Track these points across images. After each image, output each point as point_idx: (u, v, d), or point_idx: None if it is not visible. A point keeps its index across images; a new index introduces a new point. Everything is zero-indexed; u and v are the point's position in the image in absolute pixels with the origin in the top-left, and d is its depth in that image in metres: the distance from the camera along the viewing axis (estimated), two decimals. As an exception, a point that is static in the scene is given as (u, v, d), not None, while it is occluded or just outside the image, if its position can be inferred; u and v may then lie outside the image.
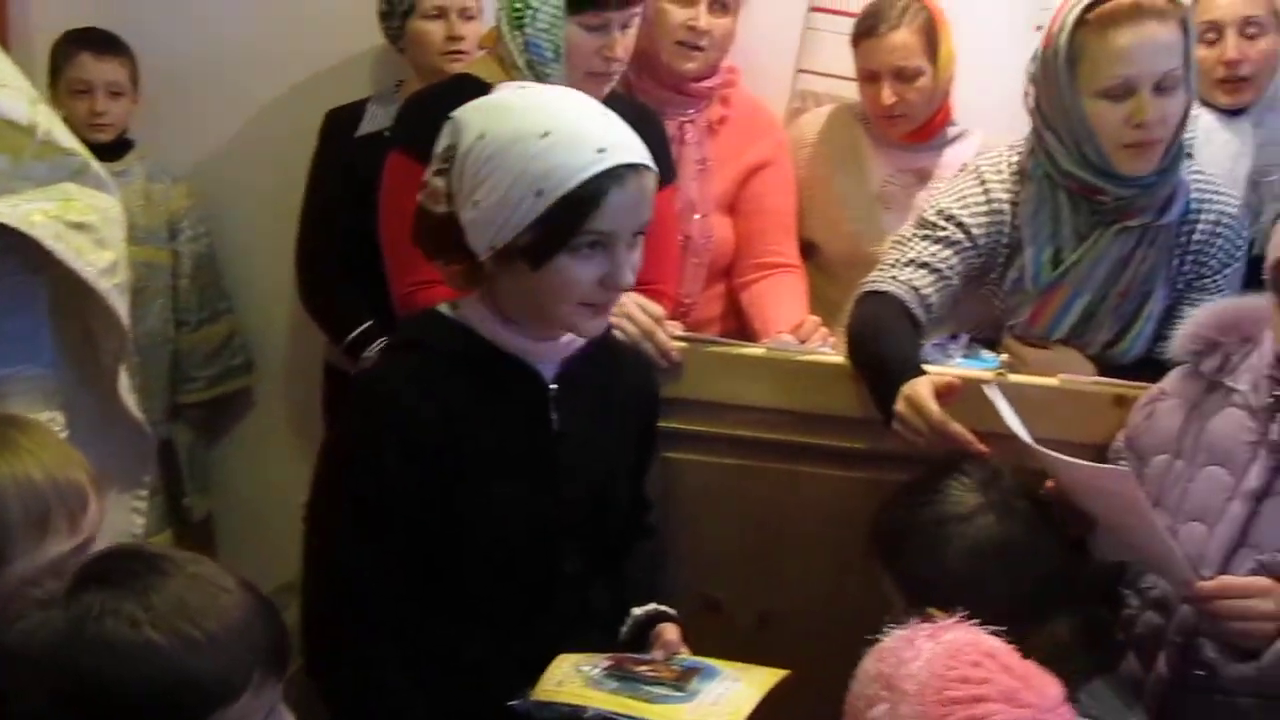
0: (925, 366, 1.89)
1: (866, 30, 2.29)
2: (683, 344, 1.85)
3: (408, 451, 1.37)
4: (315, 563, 1.44)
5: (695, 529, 1.92)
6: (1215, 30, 2.34)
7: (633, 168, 1.32)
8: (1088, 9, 1.75)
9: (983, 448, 1.58)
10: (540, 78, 1.87)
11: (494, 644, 1.43)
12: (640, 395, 1.60)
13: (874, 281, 1.92)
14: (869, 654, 1.22)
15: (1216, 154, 2.30)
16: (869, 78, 2.31)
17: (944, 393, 1.63)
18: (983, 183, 1.93)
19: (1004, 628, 1.21)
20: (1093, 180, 1.82)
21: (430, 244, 1.41)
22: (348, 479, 1.41)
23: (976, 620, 1.22)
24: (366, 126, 2.41)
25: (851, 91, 2.52)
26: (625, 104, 2.07)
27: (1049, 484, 1.57)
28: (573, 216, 1.30)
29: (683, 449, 1.89)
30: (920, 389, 1.63)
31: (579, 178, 1.29)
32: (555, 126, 1.31)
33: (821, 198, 2.38)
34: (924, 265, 1.89)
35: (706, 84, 2.31)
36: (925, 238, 1.92)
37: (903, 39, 2.25)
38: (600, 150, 1.30)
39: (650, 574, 1.62)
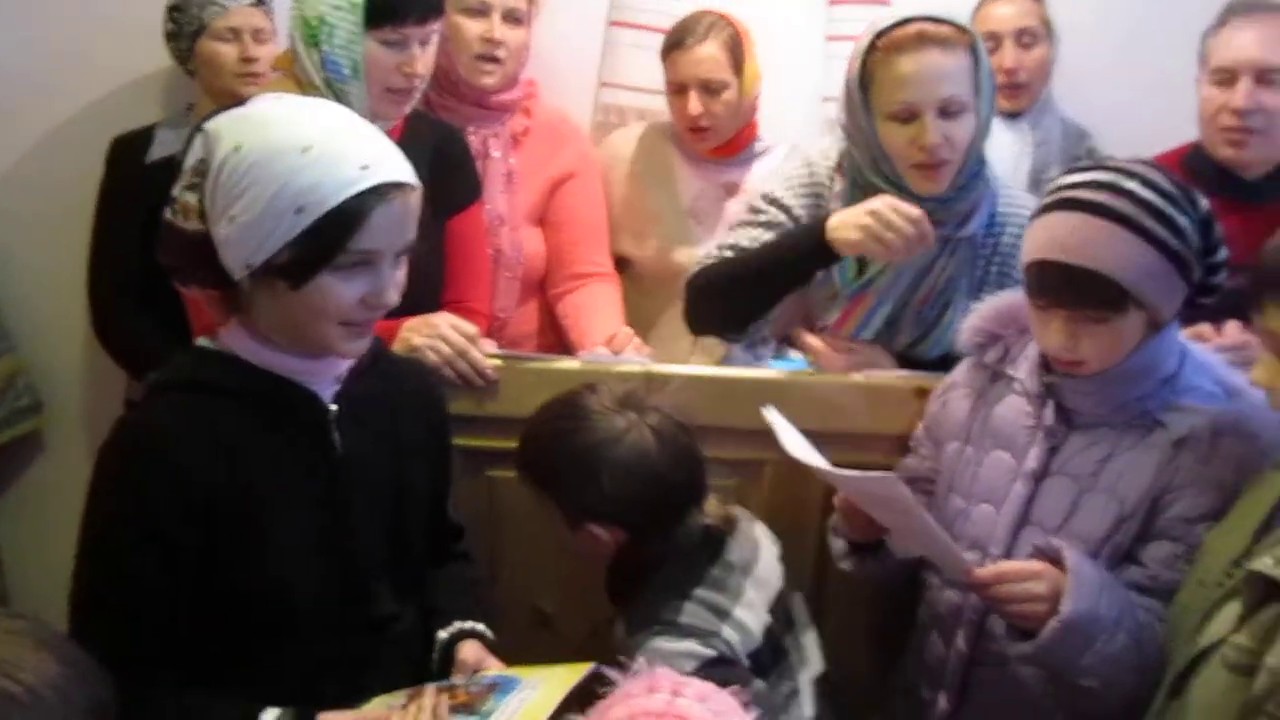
0: (733, 371, 1.96)
1: (675, 43, 2.35)
2: (498, 361, 1.85)
3: (180, 503, 1.28)
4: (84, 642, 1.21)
5: (521, 545, 1.92)
6: (994, 40, 2.49)
7: (397, 185, 1.28)
8: (879, 36, 1.83)
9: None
10: (339, 96, 1.84)
11: (301, 700, 1.33)
12: (426, 408, 1.55)
13: (701, 264, 1.99)
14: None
15: (1000, 155, 2.44)
16: (677, 89, 2.37)
17: None
18: (808, 165, 2.00)
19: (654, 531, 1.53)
20: (893, 192, 1.89)
21: (181, 264, 1.33)
22: (112, 540, 1.30)
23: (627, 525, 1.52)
24: (157, 152, 2.32)
25: (656, 104, 2.58)
26: (427, 122, 2.07)
27: (836, 497, 1.64)
28: (336, 234, 1.25)
29: (504, 467, 1.88)
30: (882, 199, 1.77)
31: (342, 195, 1.24)
32: (317, 141, 1.25)
33: (634, 213, 2.42)
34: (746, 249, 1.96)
35: (507, 97, 2.31)
36: (749, 224, 1.99)
37: (709, 52, 2.32)
38: (364, 167, 1.26)
39: (460, 598, 1.58)
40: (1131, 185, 1.43)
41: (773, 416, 1.61)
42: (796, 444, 1.57)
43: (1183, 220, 1.43)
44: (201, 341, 1.39)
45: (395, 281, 1.33)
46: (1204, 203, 1.48)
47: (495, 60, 2.24)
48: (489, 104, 2.29)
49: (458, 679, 1.44)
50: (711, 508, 1.68)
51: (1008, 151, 2.46)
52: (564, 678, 1.40)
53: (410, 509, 1.49)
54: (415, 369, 1.64)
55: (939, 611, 1.67)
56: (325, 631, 1.39)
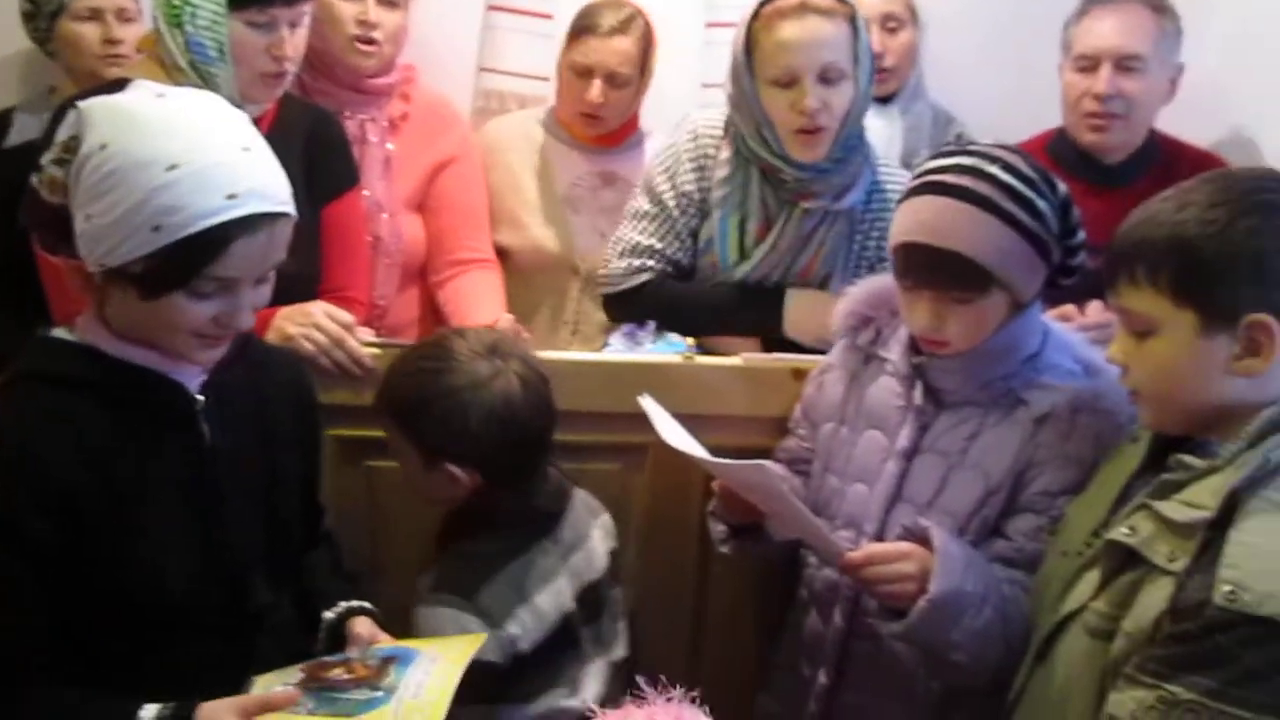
0: (614, 356, 1.97)
1: (589, 27, 2.33)
2: (375, 350, 1.82)
3: (39, 498, 1.23)
4: None
5: (405, 538, 1.89)
6: None
7: (266, 216, 1.24)
8: (763, 4, 1.91)
9: None
10: (206, 79, 1.79)
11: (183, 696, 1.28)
12: (297, 397, 1.52)
13: (627, 276, 2.07)
14: None
15: (871, 140, 2.49)
16: (582, 72, 2.34)
17: None
18: (694, 136, 2.07)
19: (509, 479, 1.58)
20: (773, 161, 1.97)
21: (44, 232, 1.29)
22: None
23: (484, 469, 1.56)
24: (15, 137, 2.23)
25: (536, 89, 2.56)
26: (301, 106, 2.02)
27: (714, 482, 1.66)
28: (191, 260, 1.22)
29: (385, 456, 1.86)
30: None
31: (202, 223, 1.20)
32: (186, 160, 1.20)
33: (510, 202, 2.39)
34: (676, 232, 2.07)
35: (385, 80, 2.27)
36: (642, 217, 2.08)
37: (624, 46, 2.32)
38: (231, 196, 1.21)
39: (336, 580, 1.57)
40: (994, 170, 1.47)
41: (650, 405, 1.62)
42: (673, 432, 1.58)
43: (1042, 204, 1.48)
44: (59, 332, 1.34)
45: (254, 302, 1.30)
46: (1063, 187, 1.53)
47: (372, 42, 2.19)
48: (366, 88, 2.25)
49: (353, 652, 1.43)
50: (553, 484, 1.70)
51: (878, 136, 2.49)
52: (462, 648, 1.40)
53: (283, 498, 1.46)
54: (285, 358, 1.60)
55: (817, 589, 1.70)
56: (203, 624, 1.36)
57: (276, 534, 1.45)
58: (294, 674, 1.36)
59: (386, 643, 1.46)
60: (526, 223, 2.37)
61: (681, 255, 2.08)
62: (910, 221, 1.49)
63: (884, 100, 2.60)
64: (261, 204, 1.24)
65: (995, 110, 2.64)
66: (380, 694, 1.31)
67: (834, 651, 1.66)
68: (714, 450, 1.88)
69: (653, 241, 2.08)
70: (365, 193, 2.16)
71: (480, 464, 1.59)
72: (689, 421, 1.86)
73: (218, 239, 1.21)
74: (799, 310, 2.02)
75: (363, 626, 1.47)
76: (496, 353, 1.60)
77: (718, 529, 1.73)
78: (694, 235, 2.08)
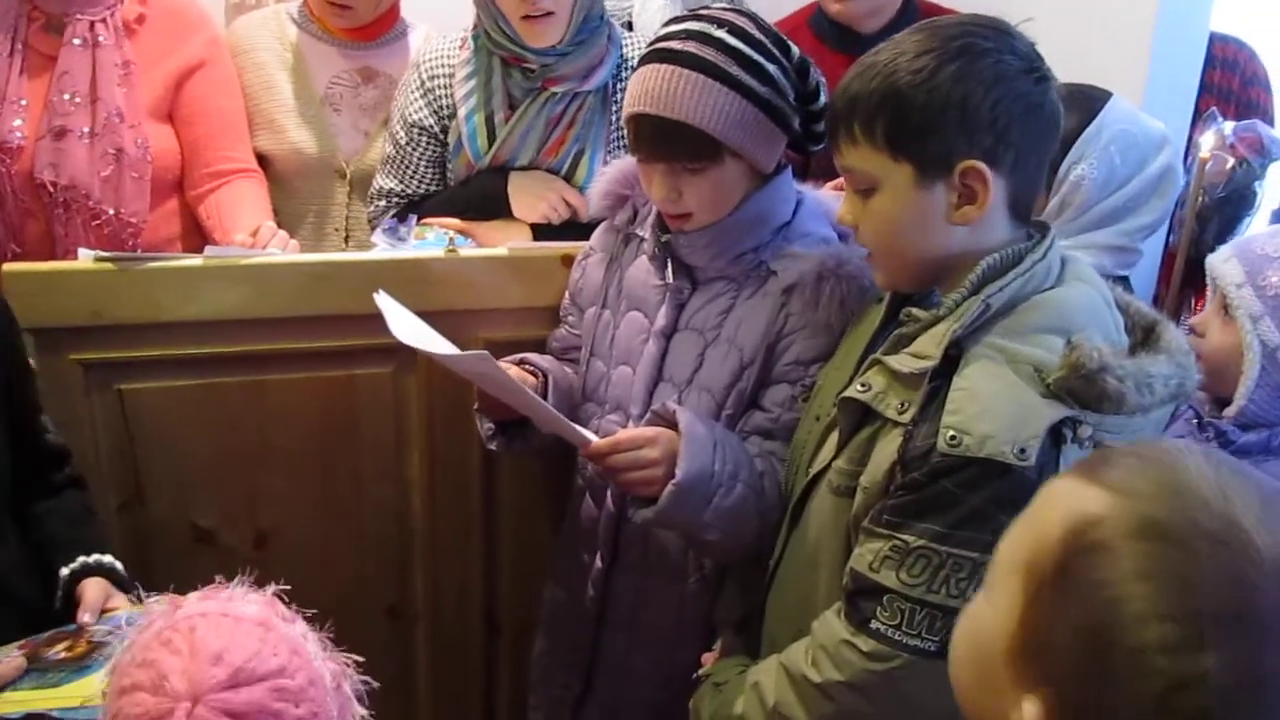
0: (375, 256, 1.91)
1: None
2: (109, 265, 1.70)
3: None
4: None
5: (169, 460, 1.82)
6: None
7: None
8: None
9: None
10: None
11: None
12: None
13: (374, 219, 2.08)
14: None
15: (653, 19, 2.43)
16: None
17: None
18: (416, 65, 2.05)
19: None
20: (515, 50, 1.93)
21: None
22: None
23: None
24: None
25: (291, -16, 2.41)
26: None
27: None
28: None
29: (137, 378, 1.77)
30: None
31: None
32: None
33: (265, 104, 2.25)
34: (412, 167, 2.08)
35: (112, -25, 2.09)
36: (404, 148, 2.08)
37: None
38: None
39: (80, 528, 1.46)
40: (720, 34, 1.44)
41: (384, 301, 1.54)
42: (408, 327, 1.51)
43: (773, 68, 1.45)
44: None
45: None
46: (797, 50, 1.50)
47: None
48: (92, -17, 2.07)
49: (86, 619, 1.33)
50: None
51: (661, 15, 2.46)
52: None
53: None
54: None
55: (589, 476, 1.69)
56: None
57: None
58: (13, 650, 1.25)
59: (123, 606, 1.35)
60: (283, 125, 2.23)
61: (422, 188, 2.10)
62: (638, 91, 1.45)
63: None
64: None
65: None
66: (97, 660, 1.21)
67: (606, 535, 1.66)
68: (488, 346, 1.84)
69: (393, 184, 2.10)
70: (102, 99, 2.01)
71: None
72: (459, 317, 1.82)
73: None
74: (518, 189, 2.00)
75: (92, 592, 1.36)
76: None
77: (485, 426, 1.69)
78: (437, 164, 2.09)
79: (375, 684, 1.03)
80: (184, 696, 0.89)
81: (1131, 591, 0.65)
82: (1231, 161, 2.20)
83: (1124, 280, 1.76)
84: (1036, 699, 0.70)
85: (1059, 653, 0.69)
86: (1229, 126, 2.26)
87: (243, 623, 0.96)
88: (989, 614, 0.77)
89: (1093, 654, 0.66)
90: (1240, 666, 0.62)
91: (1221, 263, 1.54)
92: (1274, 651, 0.62)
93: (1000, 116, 1.19)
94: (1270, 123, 2.54)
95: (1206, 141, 2.23)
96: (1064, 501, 0.73)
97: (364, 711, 1.02)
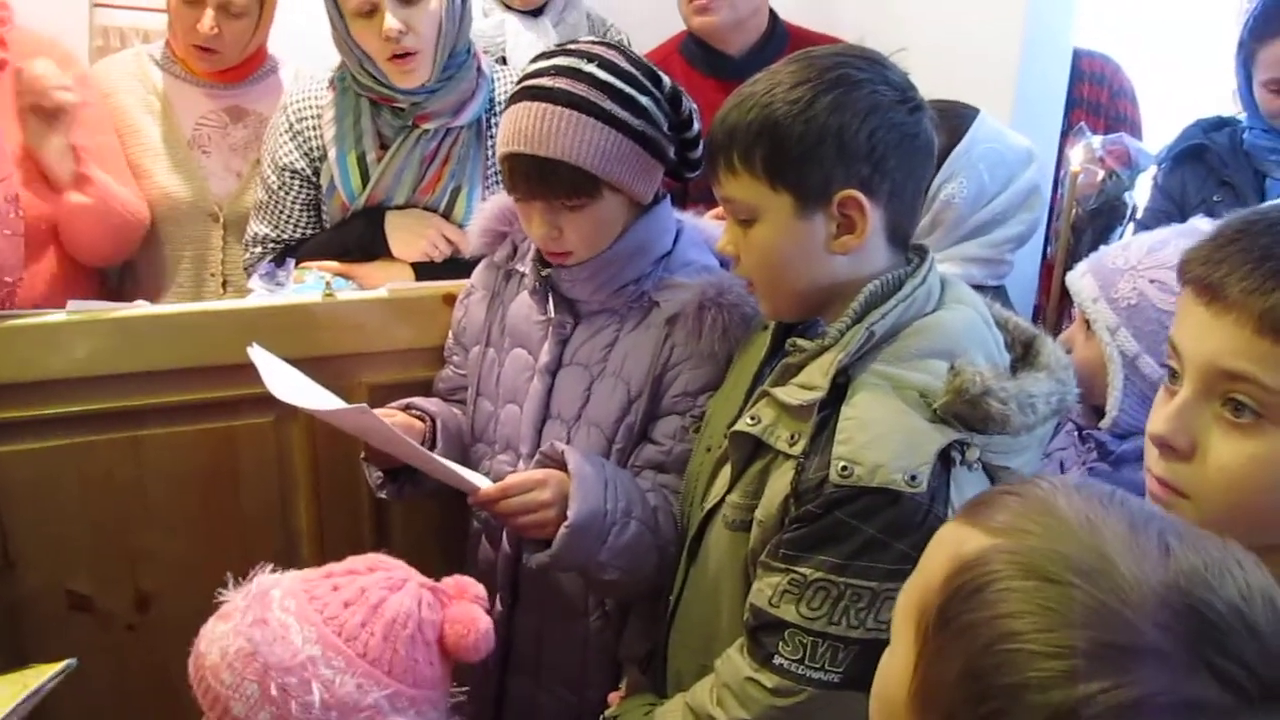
0: (251, 303, 1.85)
1: None
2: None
3: None
4: None
5: (41, 527, 1.73)
6: None
7: None
8: None
9: None
10: None
11: None
12: None
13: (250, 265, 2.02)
14: None
15: (525, 53, 2.42)
16: (192, 1, 2.13)
17: None
18: (284, 108, 2.01)
19: None
20: (384, 91, 1.91)
21: None
22: None
23: None
24: None
25: (160, 24, 2.33)
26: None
27: None
28: None
29: (3, 440, 1.68)
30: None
31: None
32: None
33: (131, 151, 2.17)
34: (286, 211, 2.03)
35: (-36, 23, 2.00)
36: (276, 192, 2.03)
37: None
38: None
39: None
40: (591, 68, 1.42)
41: (258, 355, 1.48)
42: (284, 381, 1.46)
43: (645, 100, 1.44)
44: None
45: None
46: (668, 80, 1.49)
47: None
48: (-60, 32, 1.98)
49: None
50: None
51: (532, 50, 2.44)
52: (27, 679, 1.26)
53: None
54: None
55: (483, 518, 1.65)
56: None
57: None
58: None
59: None
60: (150, 169, 2.15)
61: (298, 233, 2.05)
62: (511, 131, 1.42)
63: (535, 13, 2.53)
64: None
65: (653, 7, 2.60)
66: None
67: (505, 578, 1.63)
68: (373, 390, 1.80)
69: (267, 230, 2.04)
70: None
71: None
72: (342, 362, 1.78)
73: None
74: (395, 228, 1.97)
75: None
76: None
77: (374, 475, 1.64)
78: (311, 207, 2.04)
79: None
80: None
81: (1007, 629, 0.65)
82: (1102, 174, 2.27)
83: (1000, 291, 1.79)
84: None
85: (948, 697, 0.68)
86: (1097, 140, 2.33)
87: None
88: (893, 664, 0.76)
89: (976, 697, 0.66)
90: (1117, 694, 0.62)
91: (1078, 279, 1.57)
92: (1147, 675, 0.62)
93: (877, 146, 1.20)
94: (1138, 134, 2.63)
95: (1077, 155, 2.30)
96: (947, 548, 0.73)
97: None
